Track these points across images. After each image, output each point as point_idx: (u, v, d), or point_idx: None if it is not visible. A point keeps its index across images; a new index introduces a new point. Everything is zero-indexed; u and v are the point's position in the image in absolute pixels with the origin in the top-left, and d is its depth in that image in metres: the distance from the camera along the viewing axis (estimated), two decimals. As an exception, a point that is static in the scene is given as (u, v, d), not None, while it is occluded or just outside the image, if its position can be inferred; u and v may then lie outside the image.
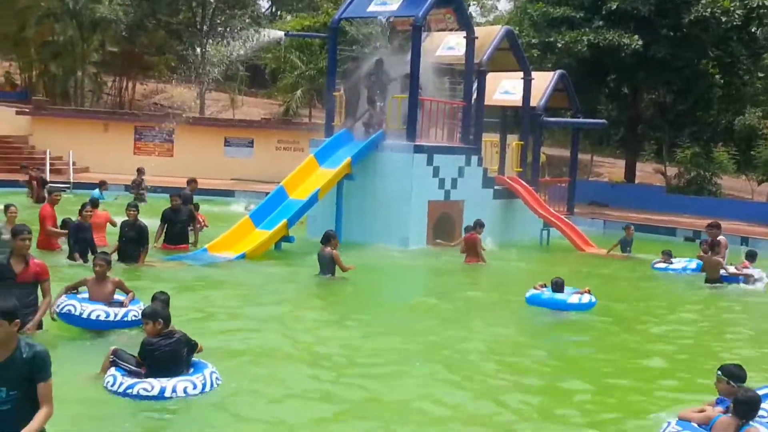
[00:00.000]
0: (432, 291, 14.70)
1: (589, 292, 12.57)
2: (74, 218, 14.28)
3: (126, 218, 14.40)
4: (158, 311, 7.97)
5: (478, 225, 17.16)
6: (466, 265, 16.65)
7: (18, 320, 5.14)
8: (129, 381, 7.57)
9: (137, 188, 24.12)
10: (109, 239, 15.20)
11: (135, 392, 7.48)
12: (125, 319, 9.78)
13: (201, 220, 18.04)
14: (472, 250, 16.82)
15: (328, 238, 14.37)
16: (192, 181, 18.50)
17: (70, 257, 13.84)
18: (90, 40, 40.25)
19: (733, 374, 6.68)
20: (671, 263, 17.10)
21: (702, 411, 6.63)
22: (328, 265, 14.19)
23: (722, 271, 15.58)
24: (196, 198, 18.04)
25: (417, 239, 18.54)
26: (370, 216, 18.62)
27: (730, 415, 6.27)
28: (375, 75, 19.26)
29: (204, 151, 32.73)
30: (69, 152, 29.68)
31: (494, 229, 20.34)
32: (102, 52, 43.13)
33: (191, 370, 7.86)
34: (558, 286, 12.49)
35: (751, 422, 6.16)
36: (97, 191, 23.62)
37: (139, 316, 9.16)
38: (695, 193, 33.27)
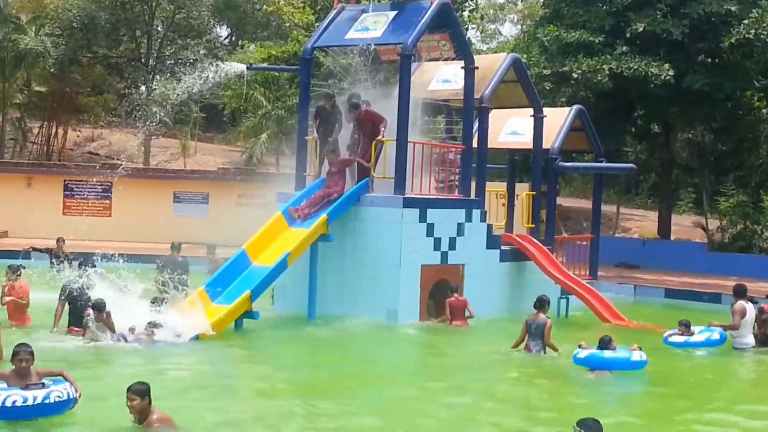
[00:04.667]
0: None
1: (639, 349, 13.44)
2: None
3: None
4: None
5: (452, 289, 18.21)
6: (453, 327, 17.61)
7: None
8: None
9: (57, 259, 23.43)
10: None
11: None
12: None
13: None
14: (460, 313, 17.91)
15: (542, 303, 14.71)
16: (176, 247, 19.62)
17: None
18: (13, 79, 40.34)
19: (590, 427, 7.93)
20: (690, 335, 16.71)
21: None
22: (541, 336, 14.43)
23: None
24: None
25: (408, 312, 18.26)
26: (350, 284, 18.47)
27: None
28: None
29: (149, 209, 32.60)
30: (-17, 214, 29.51)
31: (502, 298, 20.42)
32: (27, 92, 43.22)
33: None
34: (606, 344, 13.33)
35: None
36: None
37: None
38: (742, 250, 33.26)
